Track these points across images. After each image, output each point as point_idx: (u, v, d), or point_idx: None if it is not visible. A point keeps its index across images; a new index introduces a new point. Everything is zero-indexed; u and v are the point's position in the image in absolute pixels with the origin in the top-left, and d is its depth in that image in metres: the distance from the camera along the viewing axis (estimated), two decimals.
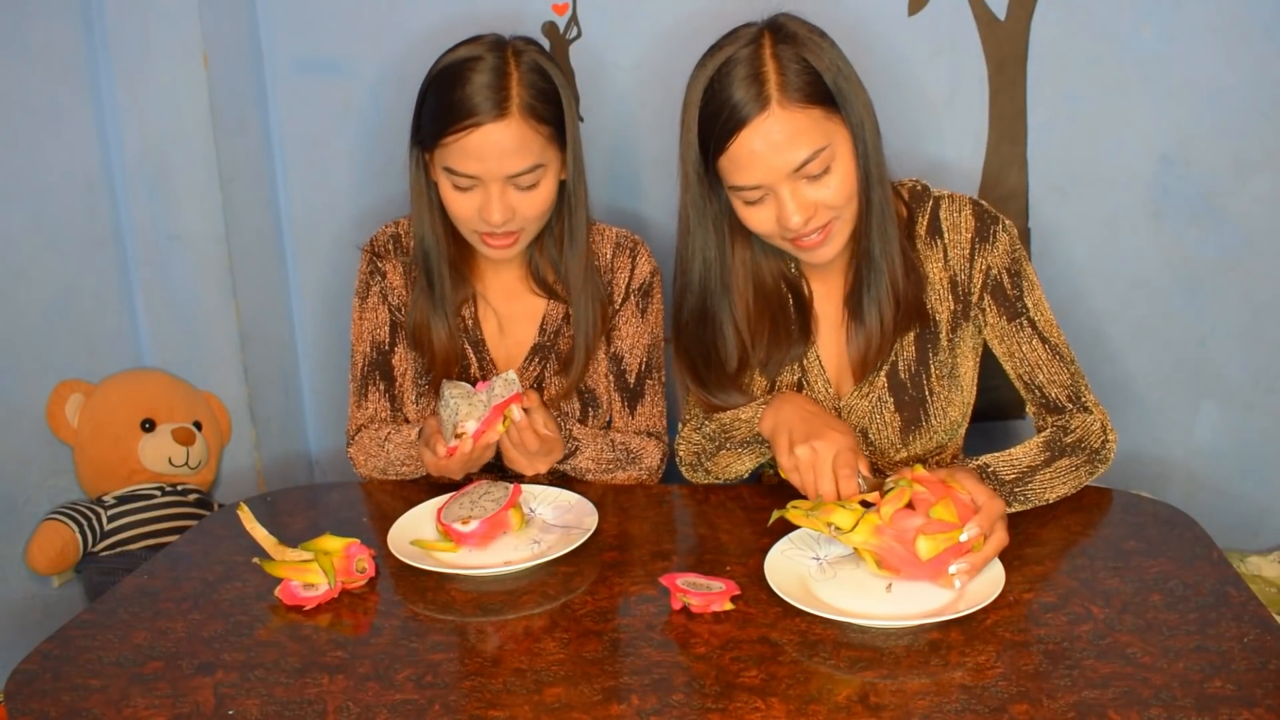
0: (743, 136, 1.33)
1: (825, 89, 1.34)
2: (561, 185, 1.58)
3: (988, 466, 1.36)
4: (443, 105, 1.50)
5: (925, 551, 1.18)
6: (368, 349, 1.68)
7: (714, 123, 1.35)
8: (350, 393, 1.70)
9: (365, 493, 1.61)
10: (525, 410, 1.47)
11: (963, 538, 1.19)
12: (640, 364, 1.68)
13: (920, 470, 1.24)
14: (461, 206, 1.53)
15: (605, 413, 1.69)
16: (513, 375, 1.47)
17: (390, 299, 1.68)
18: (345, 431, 1.70)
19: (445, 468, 1.50)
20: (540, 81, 1.52)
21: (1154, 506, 1.41)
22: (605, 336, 1.68)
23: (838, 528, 1.21)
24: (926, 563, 1.19)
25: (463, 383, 1.51)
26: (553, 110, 1.53)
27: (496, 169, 1.49)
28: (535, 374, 1.67)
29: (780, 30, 1.36)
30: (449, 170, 1.51)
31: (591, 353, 1.65)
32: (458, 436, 1.43)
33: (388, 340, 1.68)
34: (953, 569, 1.19)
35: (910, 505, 1.21)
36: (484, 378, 1.65)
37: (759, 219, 1.39)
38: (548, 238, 1.64)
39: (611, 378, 1.69)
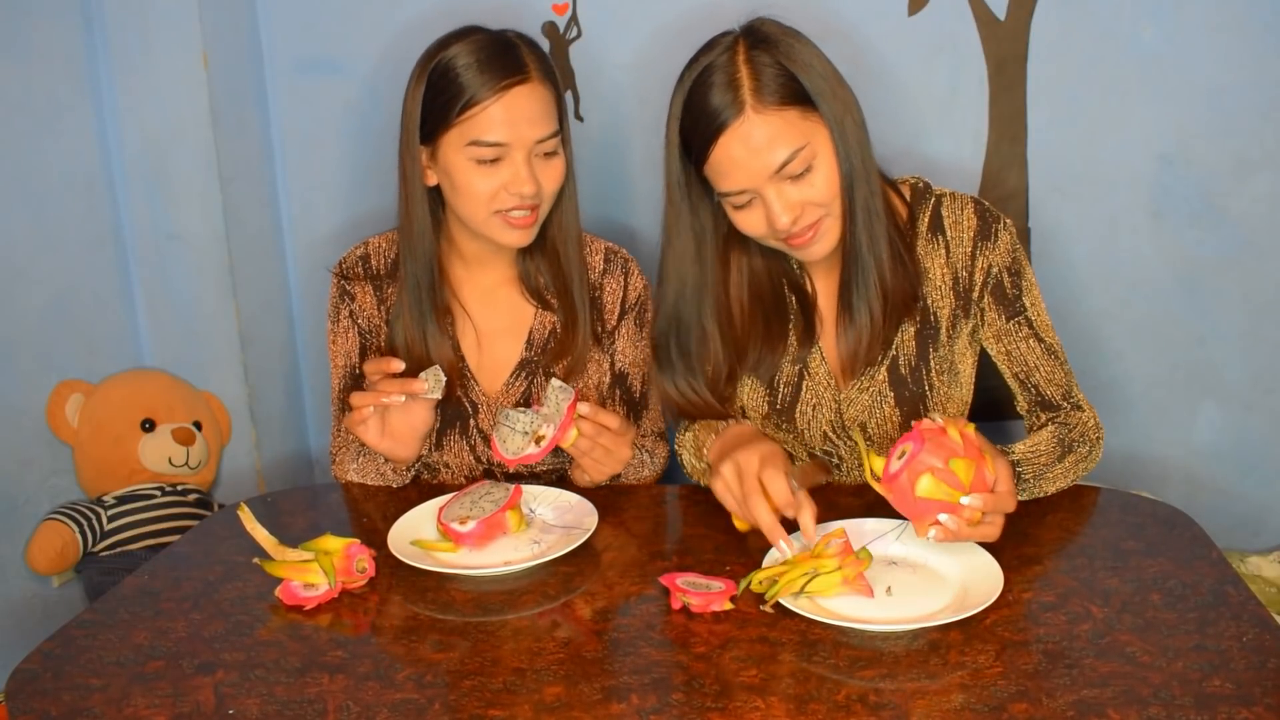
0: (722, 143, 1.35)
1: (800, 89, 1.35)
2: None
3: (1018, 465, 1.36)
4: (459, 83, 1.48)
5: (922, 490, 1.19)
6: (342, 374, 1.67)
7: (694, 132, 1.37)
8: (332, 415, 1.69)
9: (365, 493, 1.61)
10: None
11: (963, 501, 1.19)
12: (643, 378, 1.68)
13: (970, 430, 1.24)
14: (486, 184, 1.49)
15: None
16: (560, 382, 1.46)
17: (360, 322, 1.66)
18: (329, 452, 1.69)
19: (393, 446, 1.51)
20: (543, 54, 1.55)
21: (1153, 506, 1.41)
22: (609, 358, 1.66)
23: (813, 575, 1.19)
24: (916, 499, 1.19)
25: (518, 407, 1.49)
26: (557, 82, 1.55)
27: (527, 134, 1.48)
28: (521, 389, 1.64)
29: (754, 34, 1.38)
30: (476, 143, 1.48)
31: (588, 336, 1.62)
32: (537, 442, 1.42)
33: (359, 364, 1.66)
34: (942, 517, 1.19)
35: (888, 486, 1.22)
36: (466, 394, 1.63)
37: (750, 222, 1.40)
38: (540, 241, 1.61)
39: (617, 393, 1.67)
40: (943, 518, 1.20)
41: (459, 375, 1.62)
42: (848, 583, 1.20)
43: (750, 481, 1.29)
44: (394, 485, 1.61)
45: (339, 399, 1.67)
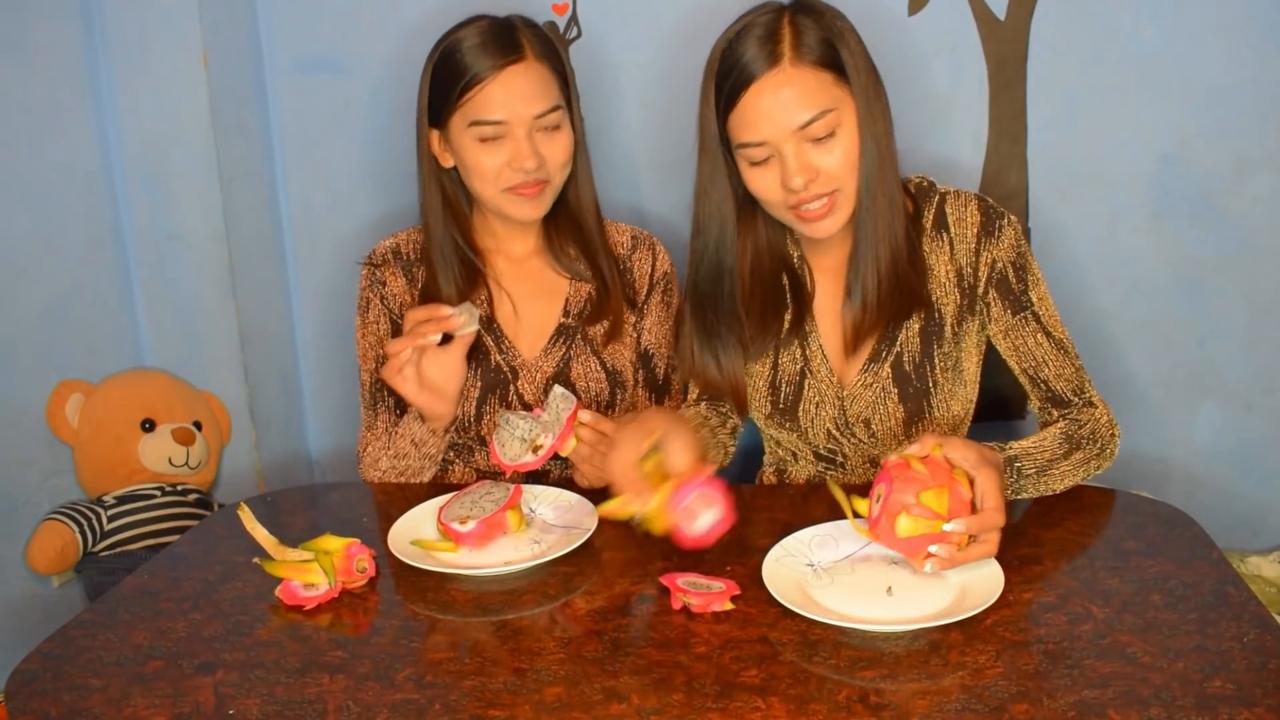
0: (752, 91, 1.37)
1: (837, 58, 1.38)
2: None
3: (1015, 460, 1.35)
4: (459, 66, 1.55)
5: (902, 530, 1.19)
6: (374, 366, 1.67)
7: (726, 80, 1.39)
8: (361, 414, 1.69)
9: (365, 493, 1.61)
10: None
11: (946, 528, 1.19)
12: (668, 359, 1.70)
13: (938, 453, 1.23)
14: (491, 161, 1.56)
15: (631, 396, 1.70)
16: (563, 389, 1.47)
17: (391, 306, 1.68)
18: (357, 453, 1.68)
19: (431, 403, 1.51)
20: (543, 35, 1.59)
21: (1154, 506, 1.41)
22: (636, 334, 1.69)
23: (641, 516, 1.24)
24: (901, 540, 1.19)
25: (520, 411, 1.50)
26: (558, 61, 1.59)
27: (524, 110, 1.54)
28: (560, 355, 1.66)
29: (801, 4, 1.41)
30: (476, 123, 1.54)
31: (623, 300, 1.66)
32: (534, 451, 1.43)
33: None
34: (932, 549, 1.19)
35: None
36: (506, 361, 1.65)
37: (763, 183, 1.41)
38: (562, 214, 1.66)
39: (641, 374, 1.70)
40: (933, 549, 1.19)
41: (497, 345, 1.66)
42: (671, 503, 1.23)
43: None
44: (423, 476, 1.61)
45: (370, 394, 1.68)
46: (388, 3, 2.09)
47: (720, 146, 1.45)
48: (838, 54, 1.38)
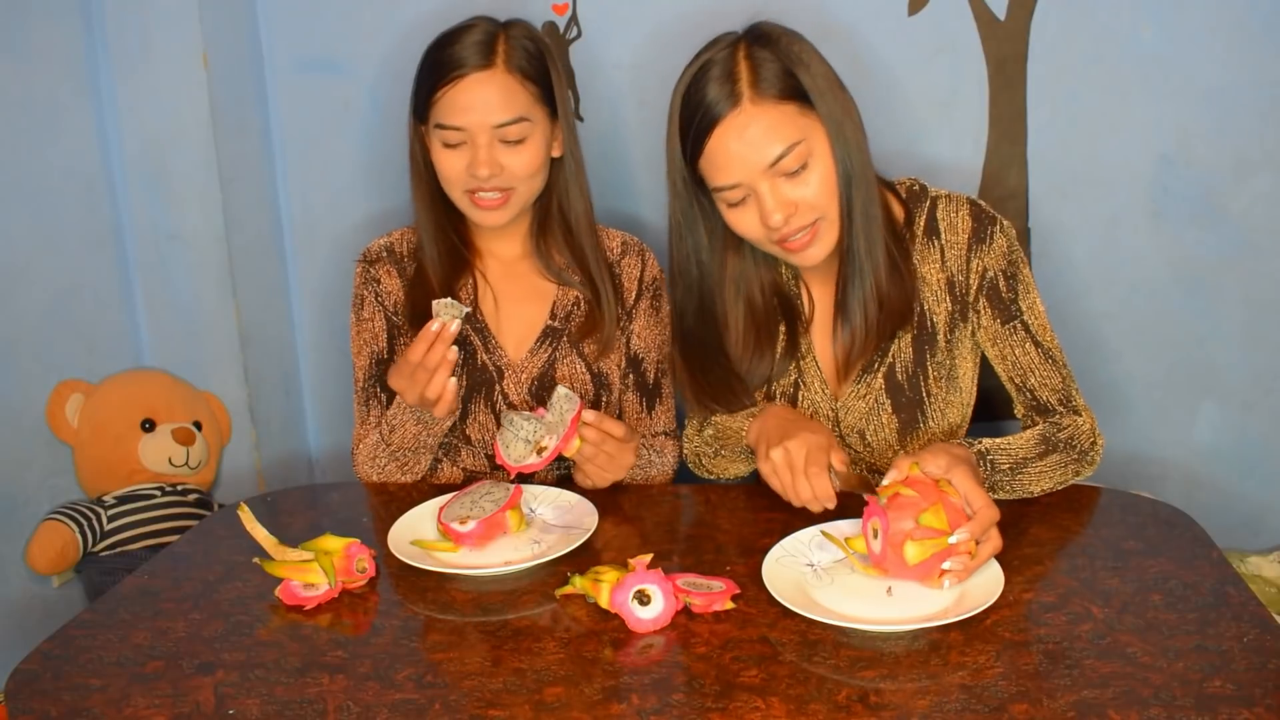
0: (717, 134, 1.35)
1: (799, 86, 1.35)
2: (559, 164, 1.63)
3: (987, 453, 1.35)
4: (433, 64, 1.56)
5: (912, 557, 1.19)
6: (367, 363, 1.67)
7: (690, 125, 1.37)
8: (355, 411, 1.69)
9: (365, 493, 1.61)
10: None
11: (952, 540, 1.19)
12: (657, 363, 1.69)
13: (915, 471, 1.24)
14: (451, 165, 1.56)
15: (616, 401, 1.69)
16: (567, 390, 1.46)
17: (386, 303, 1.67)
18: (350, 452, 1.68)
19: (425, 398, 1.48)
20: (528, 45, 1.58)
21: (1154, 506, 1.41)
22: (625, 338, 1.68)
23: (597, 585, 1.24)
24: (913, 568, 1.19)
25: (523, 411, 1.50)
26: (539, 71, 1.57)
27: (483, 119, 1.53)
28: (546, 357, 1.65)
29: (755, 32, 1.39)
30: (439, 126, 1.55)
31: (614, 314, 1.65)
32: (539, 453, 1.43)
33: (386, 349, 1.67)
34: (946, 565, 1.19)
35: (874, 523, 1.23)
36: (491, 360, 1.65)
37: (743, 222, 1.40)
38: (552, 222, 1.65)
39: (631, 378, 1.69)
40: (946, 565, 1.19)
41: (483, 343, 1.65)
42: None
43: (798, 465, 1.33)
44: (420, 464, 1.62)
45: (364, 390, 1.68)
46: (387, 3, 2.09)
47: (690, 190, 1.43)
48: (799, 82, 1.35)
